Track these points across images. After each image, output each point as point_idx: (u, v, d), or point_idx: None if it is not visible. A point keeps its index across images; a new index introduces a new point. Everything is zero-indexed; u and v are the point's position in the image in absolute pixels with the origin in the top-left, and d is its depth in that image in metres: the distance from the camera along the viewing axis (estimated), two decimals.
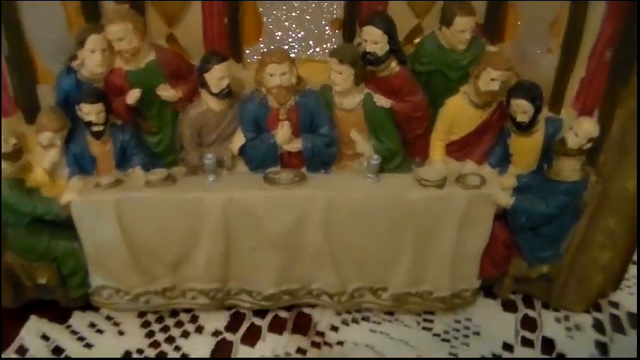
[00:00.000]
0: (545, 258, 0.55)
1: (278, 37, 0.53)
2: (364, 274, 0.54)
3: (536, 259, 0.55)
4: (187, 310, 0.57)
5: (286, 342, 0.55)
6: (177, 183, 0.51)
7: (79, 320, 0.57)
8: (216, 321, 0.57)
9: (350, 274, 0.54)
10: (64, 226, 0.53)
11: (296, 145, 0.51)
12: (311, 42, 0.53)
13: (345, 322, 0.57)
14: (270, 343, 0.55)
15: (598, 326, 0.58)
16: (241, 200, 0.50)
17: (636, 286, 0.56)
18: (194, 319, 0.57)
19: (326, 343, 0.55)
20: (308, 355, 0.54)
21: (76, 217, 0.51)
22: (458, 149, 0.53)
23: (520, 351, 0.55)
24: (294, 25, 0.52)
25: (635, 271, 0.60)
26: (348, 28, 0.52)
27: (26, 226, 0.52)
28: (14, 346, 0.55)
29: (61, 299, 0.56)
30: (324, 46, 0.53)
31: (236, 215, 0.51)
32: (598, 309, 0.60)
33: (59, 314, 0.57)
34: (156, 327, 0.57)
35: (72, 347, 0.55)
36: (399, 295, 0.55)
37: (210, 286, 0.54)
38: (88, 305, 0.57)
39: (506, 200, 0.52)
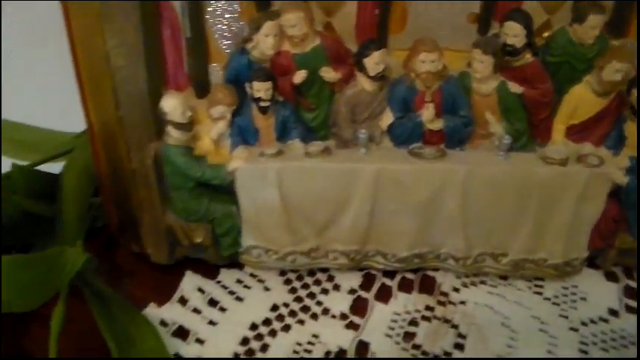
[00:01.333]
0: None
1: (420, 28, 0.59)
2: (488, 241, 0.60)
3: None
4: (323, 270, 0.63)
5: (415, 300, 0.61)
6: (333, 154, 0.58)
7: (227, 277, 0.63)
8: (351, 280, 0.63)
9: (476, 240, 0.60)
10: (222, 191, 0.59)
11: (438, 125, 0.58)
12: (447, 33, 0.59)
13: (465, 285, 0.63)
14: (402, 300, 0.61)
15: None
16: (390, 171, 0.57)
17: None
18: (330, 279, 0.63)
19: (450, 302, 0.61)
20: (435, 313, 0.60)
21: (240, 182, 0.57)
22: (577, 132, 0.60)
23: (625, 316, 0.61)
24: (434, 18, 0.58)
25: None
26: (484, 22, 0.58)
27: (190, 190, 0.59)
28: (176, 297, 0.61)
29: (211, 257, 0.62)
30: (459, 36, 0.59)
31: (384, 184, 0.57)
32: None
33: (208, 271, 0.63)
34: (297, 284, 0.63)
35: (225, 300, 0.61)
36: (517, 261, 0.61)
37: (351, 248, 0.61)
38: (232, 264, 0.63)
39: (622, 179, 0.58)
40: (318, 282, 0.62)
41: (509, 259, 0.61)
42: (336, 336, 0.58)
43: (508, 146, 0.57)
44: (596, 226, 0.61)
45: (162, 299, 0.59)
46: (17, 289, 0.51)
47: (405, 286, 0.62)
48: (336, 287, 0.62)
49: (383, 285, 0.62)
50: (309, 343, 0.57)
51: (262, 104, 0.56)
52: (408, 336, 0.58)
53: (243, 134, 0.57)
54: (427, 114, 0.57)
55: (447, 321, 0.60)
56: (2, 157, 0.66)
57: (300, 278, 0.63)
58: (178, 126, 0.56)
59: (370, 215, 0.59)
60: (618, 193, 0.59)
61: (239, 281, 0.62)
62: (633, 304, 0.63)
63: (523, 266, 0.61)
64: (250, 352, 0.56)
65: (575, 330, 0.60)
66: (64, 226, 0.59)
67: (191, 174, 0.56)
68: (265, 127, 0.57)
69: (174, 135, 0.56)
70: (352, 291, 0.62)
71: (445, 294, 0.62)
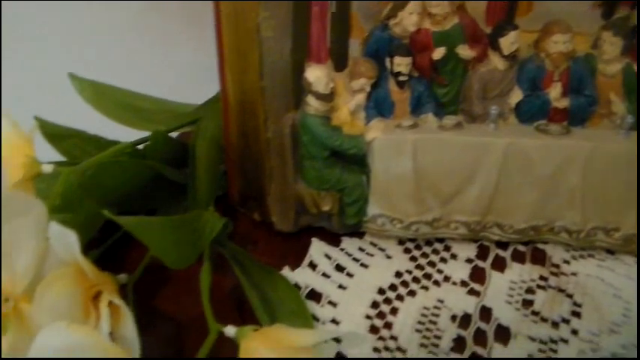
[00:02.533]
0: None
1: (544, 12, 0.62)
2: (603, 215, 0.64)
3: None
4: (439, 240, 0.67)
5: (530, 270, 0.65)
6: (464, 128, 0.61)
7: (349, 245, 0.66)
8: (467, 250, 0.66)
9: (591, 215, 0.63)
10: (353, 161, 0.62)
11: (565, 103, 0.61)
12: (569, 17, 0.62)
13: (574, 258, 0.66)
14: (517, 270, 0.65)
15: None
16: (519, 145, 0.60)
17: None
18: (447, 248, 0.67)
19: (562, 274, 0.65)
20: (549, 282, 0.63)
21: (376, 152, 0.60)
22: None
23: None
24: (557, 4, 0.61)
25: None
26: (608, 6, 0.61)
27: (324, 159, 0.62)
28: (306, 261, 0.64)
29: (334, 226, 0.65)
30: (581, 20, 0.62)
31: (512, 157, 0.60)
32: None
33: (330, 239, 0.66)
34: (416, 253, 0.66)
35: (350, 266, 0.64)
36: (628, 236, 0.65)
37: (473, 219, 0.64)
38: (352, 233, 0.67)
39: None
40: (436, 251, 0.65)
41: (621, 234, 0.64)
42: (460, 301, 0.61)
43: (630, 125, 0.60)
44: None
45: (286, 265, 0.62)
46: (170, 249, 0.54)
47: (518, 258, 0.65)
48: (454, 256, 0.65)
49: (497, 255, 0.65)
50: (435, 307, 0.60)
51: (401, 78, 0.59)
52: (527, 303, 0.61)
53: (380, 107, 0.60)
54: (554, 92, 0.60)
55: (561, 290, 0.63)
56: (122, 125, 0.68)
57: (418, 247, 0.66)
58: (320, 97, 0.58)
59: (495, 188, 0.61)
60: None
61: (361, 249, 0.65)
62: None
63: (633, 241, 0.64)
64: (381, 314, 0.59)
65: None
66: (197, 192, 0.62)
67: (330, 143, 0.59)
68: (400, 100, 0.60)
69: (314, 105, 0.59)
70: (469, 260, 0.65)
71: (557, 265, 0.65)
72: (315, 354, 0.48)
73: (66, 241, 0.47)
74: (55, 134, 0.63)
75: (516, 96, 0.61)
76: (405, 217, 0.63)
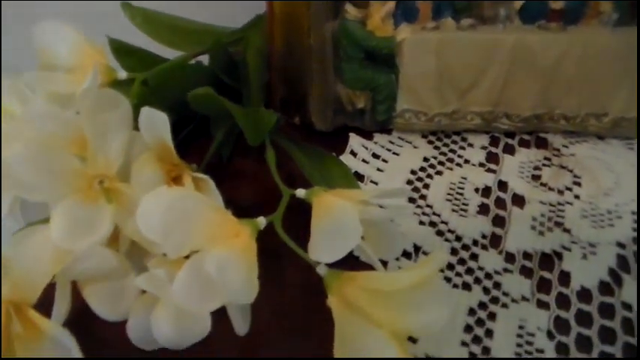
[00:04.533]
0: None
1: None
2: (594, 101, 0.76)
3: None
4: (457, 134, 0.78)
5: (535, 153, 0.77)
6: (478, 29, 0.73)
7: (380, 139, 0.77)
8: (481, 140, 0.78)
9: (584, 102, 0.75)
10: (383, 62, 0.73)
11: (561, 5, 0.73)
12: None
13: (572, 143, 0.78)
14: (524, 153, 0.77)
15: None
16: (524, 40, 0.72)
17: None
18: (464, 139, 0.78)
19: (562, 155, 0.77)
20: (553, 161, 0.76)
21: (405, 51, 0.72)
22: None
23: None
24: None
25: None
26: None
27: (360, 61, 0.73)
28: (348, 149, 0.75)
29: (367, 123, 0.76)
30: None
31: (519, 51, 0.72)
32: None
33: (364, 135, 0.77)
34: (438, 144, 0.78)
35: (384, 154, 0.75)
36: (615, 120, 0.77)
37: (486, 109, 0.76)
38: (382, 130, 0.78)
39: None
40: (455, 142, 0.77)
41: (609, 118, 0.76)
42: (480, 177, 0.72)
43: (615, 21, 0.72)
44: None
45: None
46: (247, 128, 0.64)
47: (524, 144, 0.77)
48: (470, 145, 0.77)
49: (507, 143, 0.77)
50: (460, 182, 0.72)
51: None
52: (535, 177, 0.73)
53: (406, 14, 0.72)
54: None
55: (563, 167, 0.75)
56: (168, 49, 0.78)
57: (440, 139, 0.77)
58: (357, 4, 0.70)
59: (504, 79, 0.73)
60: None
61: (391, 142, 0.76)
62: None
63: (620, 124, 0.76)
64: (415, 189, 0.71)
65: None
66: (251, 96, 0.73)
67: (366, 44, 0.71)
68: (424, 7, 0.71)
69: (352, 12, 0.70)
70: (484, 147, 0.76)
71: (557, 149, 0.77)
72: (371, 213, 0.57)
73: (156, 122, 0.56)
74: (121, 50, 0.72)
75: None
76: (429, 110, 0.74)
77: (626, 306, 0.61)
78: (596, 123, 0.76)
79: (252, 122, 0.66)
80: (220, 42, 0.73)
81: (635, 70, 0.72)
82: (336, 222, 0.52)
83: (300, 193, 0.58)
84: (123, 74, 0.66)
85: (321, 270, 0.53)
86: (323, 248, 0.52)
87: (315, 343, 0.55)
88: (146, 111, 0.56)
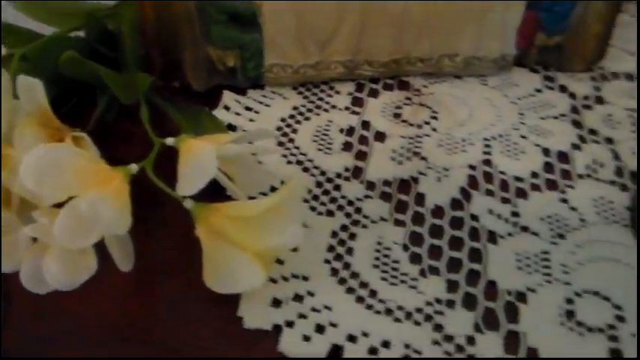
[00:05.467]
0: (558, 30, 0.86)
1: None
2: (445, 43, 0.83)
3: (552, 31, 0.86)
4: (325, 83, 0.85)
5: (397, 95, 0.84)
6: None
7: (254, 94, 0.83)
8: (347, 87, 0.85)
9: (436, 44, 0.83)
10: (247, 23, 0.80)
11: None
12: None
13: (431, 83, 0.85)
14: (387, 95, 0.84)
15: (592, 79, 0.89)
16: None
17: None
18: (331, 88, 0.85)
19: (422, 94, 0.84)
20: (413, 100, 0.83)
21: (265, 11, 0.78)
22: None
23: (546, 92, 0.86)
24: None
25: None
26: None
27: (225, 22, 0.79)
28: (221, 104, 0.81)
29: (240, 79, 0.82)
30: None
31: (370, 2, 0.79)
32: (591, 70, 0.90)
33: (238, 92, 0.84)
34: (307, 93, 0.84)
35: (256, 106, 0.82)
36: (467, 59, 0.84)
37: (347, 58, 0.83)
38: (255, 86, 0.85)
39: None
40: (323, 91, 0.84)
41: (461, 58, 0.84)
42: (345, 119, 0.79)
43: None
44: (520, 29, 0.84)
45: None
46: (120, 90, 0.70)
47: (388, 88, 0.84)
48: (337, 92, 0.83)
49: (371, 88, 0.84)
50: (327, 125, 0.79)
51: None
52: (397, 115, 0.80)
53: None
54: None
55: (422, 104, 0.82)
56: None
57: (308, 90, 0.84)
58: None
59: (360, 28, 0.80)
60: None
61: (263, 96, 0.83)
62: (551, 84, 0.87)
63: (471, 62, 0.84)
64: (285, 134, 0.77)
65: (515, 103, 0.83)
66: (128, 64, 0.79)
67: (229, 7, 0.77)
68: None
69: None
70: (349, 93, 0.83)
71: (418, 90, 0.84)
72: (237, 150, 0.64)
73: (32, 89, 0.62)
74: (7, 29, 0.78)
75: None
76: (294, 63, 0.81)
77: (474, 217, 0.68)
78: (449, 63, 0.84)
79: (123, 84, 0.72)
80: (94, 16, 0.78)
81: (480, 13, 0.79)
82: (195, 160, 0.59)
83: (170, 141, 0.64)
84: (3, 50, 0.71)
85: (188, 204, 0.59)
86: (185, 183, 0.58)
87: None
88: (21, 79, 0.62)
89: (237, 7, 0.76)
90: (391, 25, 0.79)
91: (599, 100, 0.84)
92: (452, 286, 0.62)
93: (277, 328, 0.59)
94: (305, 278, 0.62)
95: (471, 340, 0.58)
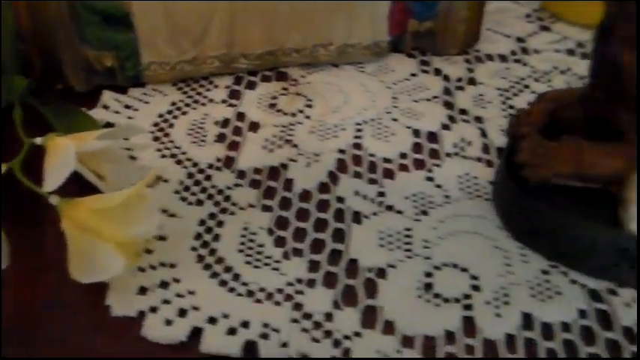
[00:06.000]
0: (427, 16, 0.89)
1: None
2: (317, 33, 0.85)
3: (422, 17, 0.89)
4: (204, 78, 0.88)
5: (274, 86, 0.86)
6: None
7: (134, 92, 0.85)
8: (226, 81, 0.87)
9: (309, 34, 0.85)
10: (120, 22, 0.82)
11: None
12: None
13: (309, 73, 0.88)
14: (264, 87, 0.86)
15: (466, 61, 0.92)
16: None
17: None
18: (210, 82, 0.87)
19: (299, 84, 0.87)
20: (289, 90, 0.85)
21: (135, 10, 0.80)
22: None
23: (423, 75, 0.89)
24: None
25: None
26: None
27: (98, 23, 0.81)
28: (100, 104, 0.83)
29: (120, 79, 0.84)
30: None
31: None
32: (466, 53, 0.94)
33: (119, 91, 0.86)
34: (186, 89, 0.86)
35: (136, 104, 0.84)
36: (341, 47, 0.87)
37: (221, 52, 0.85)
38: (136, 84, 0.86)
39: None
40: (202, 85, 0.86)
41: (335, 47, 0.86)
42: (221, 112, 0.81)
43: None
44: (391, 16, 0.87)
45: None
46: None
47: (266, 79, 0.86)
48: (216, 86, 0.86)
49: (249, 80, 0.86)
50: (202, 118, 0.81)
51: None
52: (272, 106, 0.83)
53: None
54: None
55: (298, 94, 0.84)
56: None
57: (188, 85, 0.86)
58: None
59: (231, 22, 0.82)
60: None
61: (144, 94, 0.85)
62: (426, 67, 0.90)
63: (346, 50, 0.86)
64: (161, 129, 0.79)
65: (390, 88, 0.86)
66: (5, 66, 0.80)
67: (99, 8, 0.79)
68: None
69: None
70: (227, 87, 0.86)
71: (295, 79, 0.86)
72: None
73: None
74: None
75: None
76: (170, 60, 0.83)
77: (340, 199, 0.70)
78: (324, 52, 0.86)
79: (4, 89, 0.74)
80: None
81: (349, 3, 0.82)
82: (57, 157, 0.61)
83: (38, 140, 0.66)
84: None
85: (54, 200, 0.61)
86: (49, 179, 0.60)
87: None
88: None
89: (109, 7, 0.78)
90: (261, 18, 0.81)
91: (472, 82, 0.86)
92: (313, 266, 0.64)
93: (143, 315, 0.60)
94: (172, 266, 0.63)
95: (329, 317, 0.60)
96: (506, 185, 0.66)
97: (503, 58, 0.90)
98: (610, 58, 0.63)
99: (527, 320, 0.60)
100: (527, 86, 0.86)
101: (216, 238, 0.66)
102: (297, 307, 0.61)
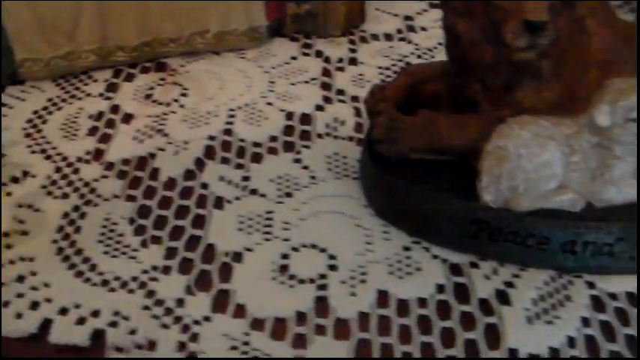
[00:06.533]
0: None
1: None
2: (192, 21, 0.86)
3: (300, 0, 0.89)
4: (84, 72, 0.88)
5: (153, 76, 0.87)
6: None
7: (12, 90, 0.85)
8: (105, 74, 0.87)
9: (184, 23, 0.86)
10: None
11: None
12: None
13: (189, 62, 0.88)
14: (143, 78, 0.86)
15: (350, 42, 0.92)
16: None
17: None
18: (90, 77, 0.88)
19: (178, 73, 0.87)
20: (167, 81, 0.86)
21: (4, 9, 0.80)
22: None
23: (302, 59, 0.89)
24: None
25: None
26: None
27: None
28: None
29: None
30: None
31: None
32: (352, 33, 0.94)
33: None
34: (65, 85, 0.87)
35: (11, 102, 0.84)
36: (218, 34, 0.87)
37: (96, 45, 0.85)
38: (15, 82, 0.87)
39: None
40: (81, 80, 0.86)
41: (211, 34, 0.87)
42: (95, 106, 0.82)
43: None
44: (267, 2, 0.87)
45: None
46: None
47: (145, 71, 0.87)
48: (95, 80, 0.86)
49: (128, 73, 0.87)
50: (77, 113, 0.81)
51: None
52: (148, 96, 0.83)
53: None
54: None
55: (175, 83, 0.85)
56: None
57: (67, 81, 0.86)
58: None
59: (101, 15, 0.82)
60: None
61: (22, 91, 0.85)
62: (308, 50, 0.90)
63: (223, 37, 0.87)
64: (34, 126, 0.80)
65: (268, 72, 0.87)
66: None
67: None
68: None
69: None
70: (106, 80, 0.86)
71: (174, 69, 0.87)
72: None
73: None
74: None
75: None
76: (44, 55, 0.83)
77: (205, 185, 0.71)
78: (201, 40, 0.87)
79: None
80: None
81: None
82: None
83: None
84: None
85: None
86: None
87: None
88: None
89: None
90: (133, 9, 0.81)
91: (353, 62, 0.86)
92: (170, 253, 0.64)
93: None
94: (31, 259, 0.64)
95: (180, 302, 0.60)
96: (367, 163, 0.66)
97: (389, 37, 0.90)
98: (448, 29, 0.63)
99: (384, 298, 0.60)
100: (409, 64, 0.86)
101: (78, 230, 0.66)
102: (150, 294, 0.61)
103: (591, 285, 0.61)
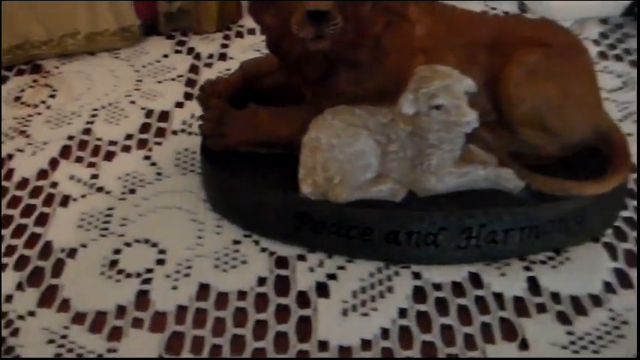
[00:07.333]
0: None
1: None
2: (62, 24, 0.88)
3: None
4: None
5: (25, 78, 0.88)
6: None
7: None
8: None
9: (53, 26, 0.88)
10: None
11: None
12: None
13: (64, 64, 0.90)
14: (14, 81, 0.88)
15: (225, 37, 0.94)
16: None
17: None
18: None
19: (51, 75, 0.89)
20: (39, 83, 0.88)
21: None
22: None
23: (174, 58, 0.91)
24: None
25: None
26: None
27: None
28: None
29: None
30: None
31: None
32: (229, 29, 0.96)
33: None
34: None
35: None
36: (89, 35, 0.89)
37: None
38: None
39: None
40: None
41: (82, 35, 0.89)
42: None
43: None
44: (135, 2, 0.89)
45: None
46: None
47: (20, 73, 0.89)
48: None
49: (3, 75, 0.89)
50: None
51: None
52: (17, 98, 0.85)
53: None
54: None
55: (47, 85, 0.87)
56: None
57: None
58: None
59: None
60: None
61: None
62: (181, 47, 0.92)
63: (94, 38, 0.89)
64: None
65: (138, 71, 0.89)
66: None
67: None
68: None
69: None
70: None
71: (48, 71, 0.89)
72: None
73: None
74: None
75: None
76: None
77: (54, 184, 0.74)
78: (73, 42, 0.89)
79: None
80: None
81: None
82: None
83: None
84: None
85: None
86: None
87: None
88: None
89: None
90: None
91: (223, 57, 0.89)
92: (9, 250, 0.67)
93: None
94: None
95: (9, 299, 0.62)
96: (201, 158, 0.68)
97: None
98: (257, 22, 0.64)
99: (205, 291, 0.62)
100: None
101: None
102: None
103: (417, 275, 0.62)
